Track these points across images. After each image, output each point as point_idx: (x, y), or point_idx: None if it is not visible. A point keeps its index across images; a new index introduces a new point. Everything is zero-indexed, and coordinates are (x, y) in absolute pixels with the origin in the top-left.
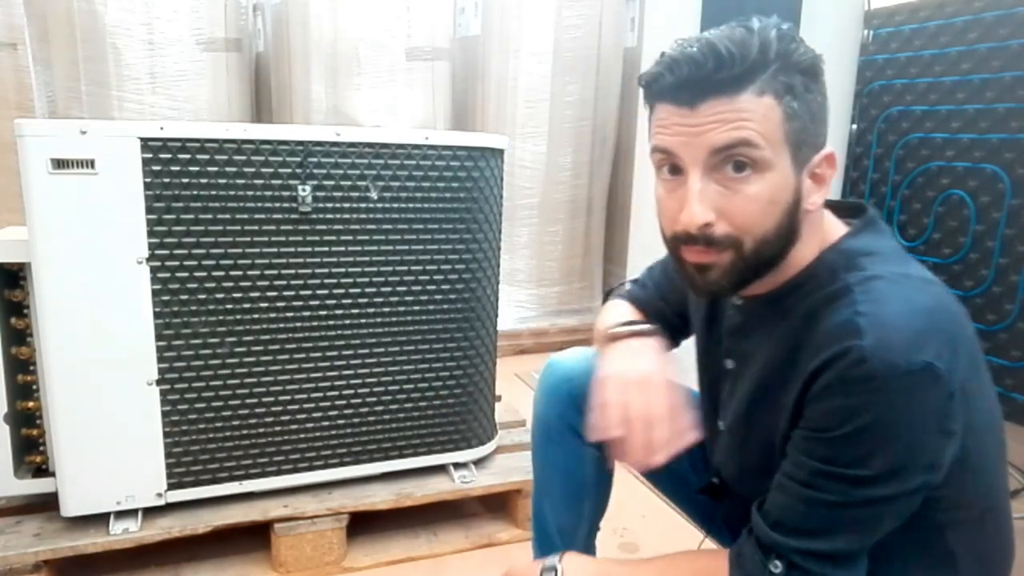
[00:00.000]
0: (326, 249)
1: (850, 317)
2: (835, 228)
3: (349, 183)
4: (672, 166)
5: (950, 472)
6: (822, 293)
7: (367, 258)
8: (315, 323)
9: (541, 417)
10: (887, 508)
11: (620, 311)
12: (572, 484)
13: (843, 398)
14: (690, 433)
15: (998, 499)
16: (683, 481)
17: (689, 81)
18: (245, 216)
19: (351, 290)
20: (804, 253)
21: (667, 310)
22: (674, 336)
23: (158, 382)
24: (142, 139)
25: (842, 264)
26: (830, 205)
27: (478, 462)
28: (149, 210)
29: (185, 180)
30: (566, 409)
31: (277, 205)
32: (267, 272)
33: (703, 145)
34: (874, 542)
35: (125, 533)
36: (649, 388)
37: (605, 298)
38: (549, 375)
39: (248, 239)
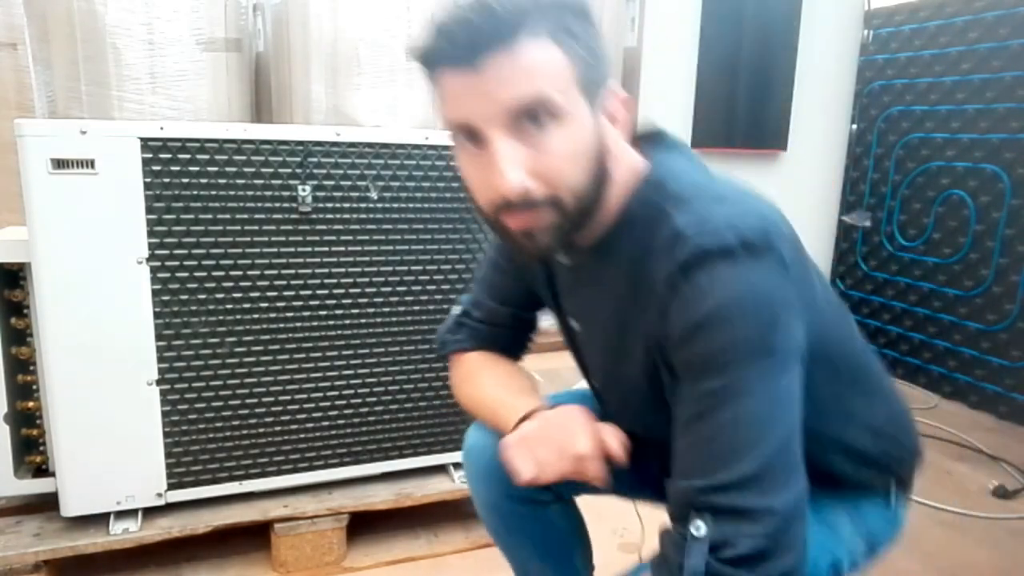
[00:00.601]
0: (326, 249)
1: (673, 234)
2: (637, 161)
3: (349, 183)
4: (471, 134)
5: (812, 349)
6: (642, 230)
7: (367, 258)
8: (315, 323)
9: (488, 505)
10: (776, 395)
11: (492, 383)
12: (554, 547)
13: (691, 294)
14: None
15: (870, 373)
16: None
17: (465, 41)
18: (245, 216)
19: (351, 290)
20: (617, 194)
21: (518, 307)
22: (531, 330)
23: (158, 382)
24: (142, 139)
25: (653, 195)
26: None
27: None
28: (149, 210)
29: (185, 180)
30: (509, 487)
31: (277, 205)
32: (267, 272)
33: (497, 105)
34: (794, 453)
35: (125, 533)
36: (565, 420)
37: (443, 347)
38: (477, 458)
39: (248, 239)
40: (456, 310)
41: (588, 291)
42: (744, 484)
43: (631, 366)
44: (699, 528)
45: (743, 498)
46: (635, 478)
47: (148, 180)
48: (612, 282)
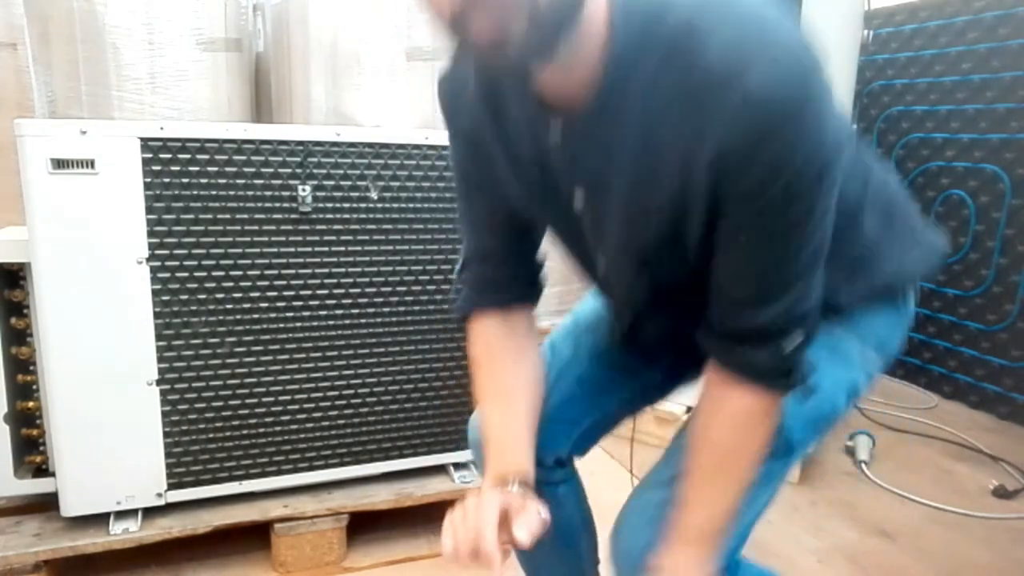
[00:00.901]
0: (326, 249)
1: (706, 75)
2: None
3: (349, 183)
4: None
5: None
6: (652, 69)
7: (367, 258)
8: (315, 323)
9: None
10: (829, 219)
11: (491, 411)
12: (561, 530)
13: (768, 144)
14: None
15: (884, 185)
16: (610, 367)
17: None
18: (245, 216)
19: (351, 290)
20: (597, 20)
21: (509, 227)
22: (532, 250)
23: (158, 382)
24: (142, 139)
25: (640, 24)
26: None
27: None
28: (149, 210)
29: (185, 180)
30: None
31: (277, 205)
32: (267, 272)
33: None
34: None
35: (125, 533)
36: (476, 509)
37: (455, 312)
38: (479, 444)
39: (248, 239)
40: (457, 267)
41: (592, 160)
42: (810, 296)
43: (654, 220)
44: (796, 339)
45: (809, 311)
46: (654, 377)
47: (148, 180)
48: (622, 142)
